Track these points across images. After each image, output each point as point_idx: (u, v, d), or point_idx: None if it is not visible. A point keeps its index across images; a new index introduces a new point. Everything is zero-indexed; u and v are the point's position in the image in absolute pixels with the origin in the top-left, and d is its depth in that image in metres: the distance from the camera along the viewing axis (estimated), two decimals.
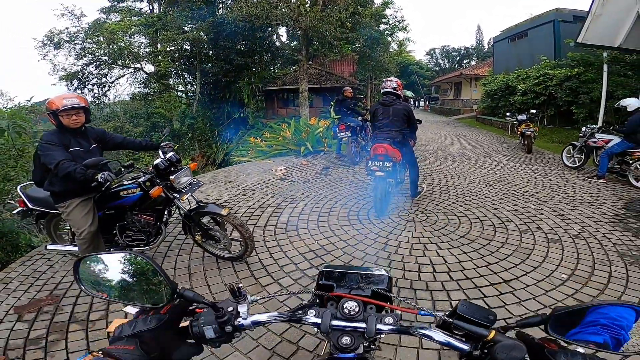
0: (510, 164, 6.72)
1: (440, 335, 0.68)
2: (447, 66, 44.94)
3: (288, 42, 17.14)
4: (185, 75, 17.66)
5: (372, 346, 0.82)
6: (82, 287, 0.73)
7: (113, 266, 0.75)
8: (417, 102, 31.19)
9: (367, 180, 5.32)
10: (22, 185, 3.10)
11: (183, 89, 18.35)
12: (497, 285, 2.65)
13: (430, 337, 0.68)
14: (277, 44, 17.01)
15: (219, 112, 15.35)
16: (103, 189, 2.71)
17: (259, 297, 0.80)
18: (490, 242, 3.37)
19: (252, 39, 14.36)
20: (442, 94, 29.98)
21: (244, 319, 0.74)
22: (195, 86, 16.38)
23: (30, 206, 2.95)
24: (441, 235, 3.51)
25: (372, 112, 4.28)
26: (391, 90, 4.10)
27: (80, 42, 14.61)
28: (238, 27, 12.87)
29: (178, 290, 0.70)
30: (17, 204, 3.09)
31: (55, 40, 14.30)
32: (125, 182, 2.86)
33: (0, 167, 3.40)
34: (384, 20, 16.75)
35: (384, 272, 0.88)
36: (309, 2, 12.47)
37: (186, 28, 14.83)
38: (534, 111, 9.34)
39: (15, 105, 4.70)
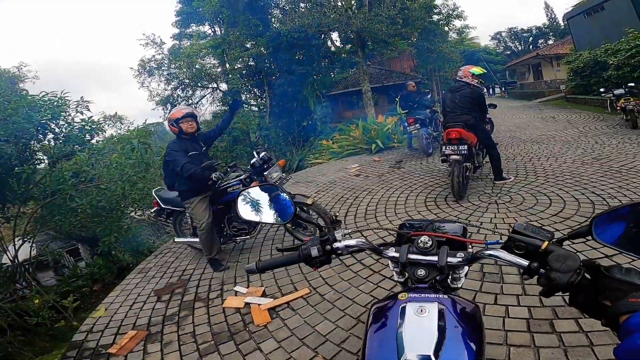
0: (612, 142, 5.94)
1: (503, 254, 0.74)
2: (520, 48, 40.61)
3: (342, 45, 17.62)
4: (255, 90, 19.20)
5: (452, 285, 0.90)
6: (242, 216, 1.14)
7: (260, 197, 1.16)
8: (491, 90, 28.92)
9: (442, 169, 5.26)
10: (155, 189, 3.89)
11: (255, 103, 19.98)
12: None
13: (496, 257, 0.75)
14: (332, 49, 17.54)
15: (289, 122, 16.38)
16: (216, 186, 3.30)
17: (350, 230, 0.99)
18: (588, 219, 3.13)
19: (308, 47, 15.10)
20: (520, 77, 27.35)
21: (339, 241, 0.92)
22: (265, 99, 17.73)
23: (163, 206, 3.69)
24: (529, 215, 3.37)
25: (442, 100, 4.48)
26: (460, 78, 4.34)
27: (166, 68, 17.02)
28: (293, 38, 13.70)
29: (298, 213, 1.01)
30: (153, 205, 3.89)
31: (147, 67, 16.90)
32: (230, 181, 3.42)
33: (137, 178, 4.35)
34: (435, 10, 16.30)
35: (459, 223, 1.01)
36: (354, 4, 12.69)
37: (247, 45, 16.10)
38: (632, 84, 8.04)
39: (136, 128, 5.80)
